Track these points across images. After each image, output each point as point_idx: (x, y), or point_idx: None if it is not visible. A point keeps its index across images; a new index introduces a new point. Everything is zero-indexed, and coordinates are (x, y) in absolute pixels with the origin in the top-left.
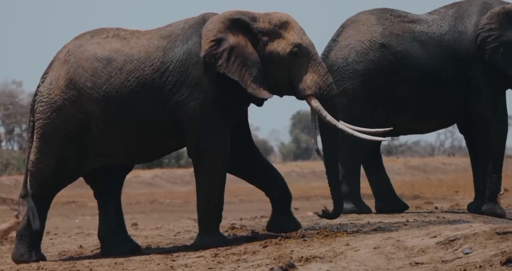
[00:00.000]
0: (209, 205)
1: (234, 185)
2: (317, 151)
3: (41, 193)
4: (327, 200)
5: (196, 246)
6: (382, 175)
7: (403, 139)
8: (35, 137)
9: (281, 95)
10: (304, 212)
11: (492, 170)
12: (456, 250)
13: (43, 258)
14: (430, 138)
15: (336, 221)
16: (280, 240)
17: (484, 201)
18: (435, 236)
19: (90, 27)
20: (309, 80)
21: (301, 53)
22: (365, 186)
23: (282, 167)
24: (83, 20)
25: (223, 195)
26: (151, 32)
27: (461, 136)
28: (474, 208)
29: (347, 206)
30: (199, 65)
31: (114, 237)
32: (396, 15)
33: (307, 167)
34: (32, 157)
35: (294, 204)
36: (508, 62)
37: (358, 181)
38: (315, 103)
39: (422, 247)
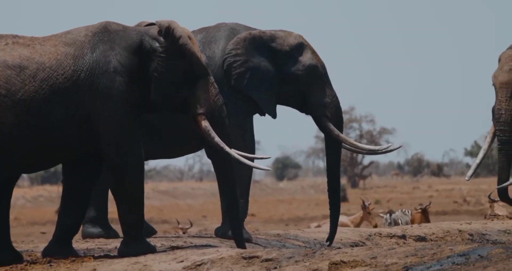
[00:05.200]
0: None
1: None
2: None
3: None
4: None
5: (122, 253)
6: None
7: (152, 163)
8: None
9: (172, 111)
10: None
11: (240, 194)
12: None
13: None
14: (179, 162)
15: (84, 245)
16: (26, 265)
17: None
18: (182, 261)
19: None
20: (202, 99)
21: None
22: (113, 211)
23: (29, 191)
24: None
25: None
26: (51, 39)
27: (209, 161)
28: (222, 233)
29: (94, 230)
30: (108, 74)
31: None
32: None
33: (54, 191)
34: None
35: (41, 228)
36: (254, 87)
37: (105, 205)
38: (205, 123)
39: None
